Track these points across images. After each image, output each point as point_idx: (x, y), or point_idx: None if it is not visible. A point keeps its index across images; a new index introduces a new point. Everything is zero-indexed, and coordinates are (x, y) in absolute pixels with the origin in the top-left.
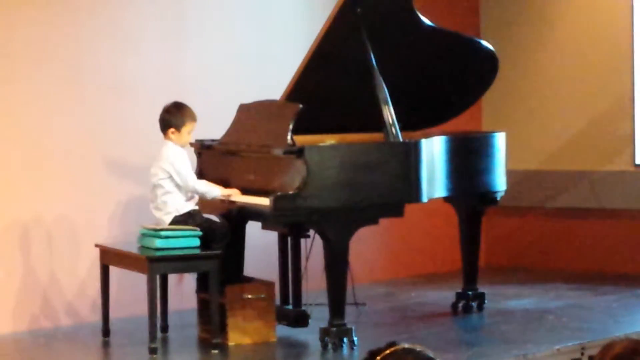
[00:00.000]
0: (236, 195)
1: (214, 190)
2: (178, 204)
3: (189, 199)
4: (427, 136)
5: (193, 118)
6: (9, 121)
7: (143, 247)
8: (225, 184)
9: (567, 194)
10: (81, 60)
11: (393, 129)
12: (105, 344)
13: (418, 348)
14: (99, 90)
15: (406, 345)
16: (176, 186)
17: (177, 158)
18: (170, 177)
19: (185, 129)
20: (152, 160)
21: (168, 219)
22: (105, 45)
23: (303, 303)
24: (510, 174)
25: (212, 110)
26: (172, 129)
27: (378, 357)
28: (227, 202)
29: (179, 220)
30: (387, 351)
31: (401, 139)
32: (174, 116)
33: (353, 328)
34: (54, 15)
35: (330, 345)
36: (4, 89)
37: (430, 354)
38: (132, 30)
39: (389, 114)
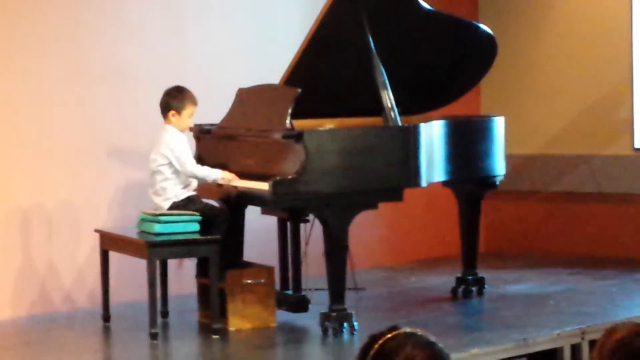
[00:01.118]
0: (235, 180)
1: (213, 174)
2: (177, 190)
3: (188, 184)
4: (426, 120)
5: (194, 102)
6: (9, 108)
7: (142, 232)
8: (224, 168)
9: (566, 179)
10: (82, 47)
11: (392, 113)
12: (106, 330)
13: (419, 332)
14: (99, 76)
15: (407, 330)
16: (175, 172)
17: (177, 143)
18: (170, 163)
19: (185, 112)
20: (152, 146)
21: (167, 204)
22: (105, 32)
23: (303, 288)
24: (509, 158)
25: (211, 95)
26: (172, 112)
27: (380, 341)
28: (227, 187)
29: (178, 205)
30: (389, 335)
31: (400, 124)
32: (175, 99)
33: (353, 313)
34: (55, 2)
35: (330, 330)
36: (4, 77)
37: (431, 338)
38: (133, 17)
39: (388, 98)
